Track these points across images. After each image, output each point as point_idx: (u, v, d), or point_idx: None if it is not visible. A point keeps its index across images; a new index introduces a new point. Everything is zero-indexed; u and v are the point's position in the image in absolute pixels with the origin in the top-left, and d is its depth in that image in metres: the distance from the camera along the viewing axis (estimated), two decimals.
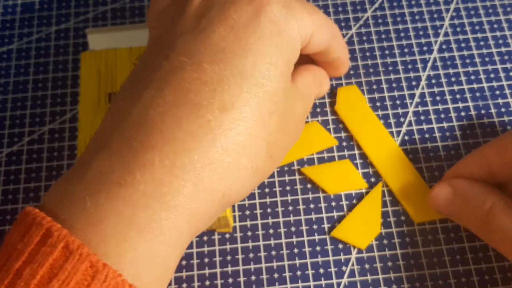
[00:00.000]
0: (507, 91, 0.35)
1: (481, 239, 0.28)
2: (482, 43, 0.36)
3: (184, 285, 0.29)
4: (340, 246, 0.30)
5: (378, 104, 0.35)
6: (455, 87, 0.35)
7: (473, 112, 0.34)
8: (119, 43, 0.35)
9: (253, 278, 0.30)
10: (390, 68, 0.36)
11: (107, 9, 0.39)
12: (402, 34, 0.37)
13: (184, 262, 0.30)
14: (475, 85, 0.35)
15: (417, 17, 0.38)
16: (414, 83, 0.35)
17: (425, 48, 0.36)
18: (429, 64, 0.36)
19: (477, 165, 0.28)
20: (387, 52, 0.36)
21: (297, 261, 0.30)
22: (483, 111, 0.34)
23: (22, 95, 0.35)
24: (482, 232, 0.27)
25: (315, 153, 0.33)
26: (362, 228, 0.30)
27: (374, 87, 0.35)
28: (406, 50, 0.36)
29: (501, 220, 0.26)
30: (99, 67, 0.33)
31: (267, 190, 0.32)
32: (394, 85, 0.35)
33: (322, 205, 0.32)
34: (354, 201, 0.32)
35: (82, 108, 0.31)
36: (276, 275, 0.30)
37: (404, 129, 0.34)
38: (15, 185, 0.33)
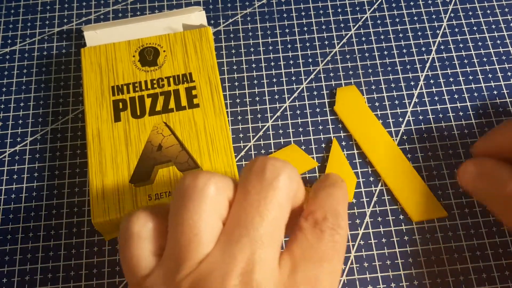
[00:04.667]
0: (505, 91, 0.35)
1: (503, 222, 0.28)
2: (480, 43, 0.37)
3: None
4: None
5: (377, 104, 0.35)
6: (454, 87, 0.35)
7: (471, 112, 0.34)
8: (115, 37, 0.35)
9: None
10: (389, 68, 0.36)
11: (109, 10, 0.39)
12: (400, 35, 0.37)
13: None
14: (473, 85, 0.35)
15: (415, 18, 0.38)
16: (412, 83, 0.35)
17: (423, 49, 0.37)
18: (428, 65, 0.36)
19: (510, 136, 0.27)
20: (385, 52, 0.37)
21: None
22: (481, 111, 0.34)
23: (25, 95, 0.36)
24: (502, 213, 0.27)
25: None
26: None
27: (373, 87, 0.35)
28: (404, 51, 0.37)
29: None
30: (99, 61, 0.33)
31: None
32: (392, 85, 0.35)
33: None
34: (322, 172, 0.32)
35: (87, 103, 0.32)
36: None
37: (402, 128, 0.34)
38: (18, 185, 0.33)
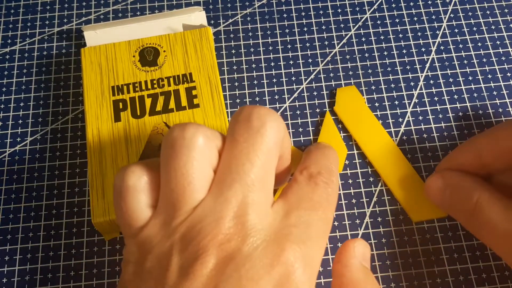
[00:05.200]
0: (504, 92, 0.35)
1: (469, 231, 0.28)
2: (479, 44, 0.37)
3: None
4: (339, 244, 0.31)
5: (376, 104, 0.35)
6: (453, 88, 0.35)
7: (471, 113, 0.34)
8: (115, 38, 0.35)
9: None
10: (389, 68, 0.36)
11: (109, 10, 0.39)
12: (400, 35, 0.37)
13: None
14: (472, 86, 0.35)
15: (415, 18, 0.38)
16: (412, 83, 0.35)
17: (423, 49, 0.37)
18: (427, 65, 0.36)
19: (469, 156, 0.28)
20: (385, 53, 0.37)
21: None
22: (480, 112, 0.34)
23: (25, 95, 0.36)
24: (469, 224, 0.28)
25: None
26: None
27: (373, 87, 0.35)
28: (404, 51, 0.37)
29: (487, 213, 0.26)
30: (99, 61, 0.33)
31: None
32: (392, 85, 0.35)
33: None
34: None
35: (87, 103, 0.32)
36: None
37: (402, 129, 0.34)
38: (18, 185, 0.33)
